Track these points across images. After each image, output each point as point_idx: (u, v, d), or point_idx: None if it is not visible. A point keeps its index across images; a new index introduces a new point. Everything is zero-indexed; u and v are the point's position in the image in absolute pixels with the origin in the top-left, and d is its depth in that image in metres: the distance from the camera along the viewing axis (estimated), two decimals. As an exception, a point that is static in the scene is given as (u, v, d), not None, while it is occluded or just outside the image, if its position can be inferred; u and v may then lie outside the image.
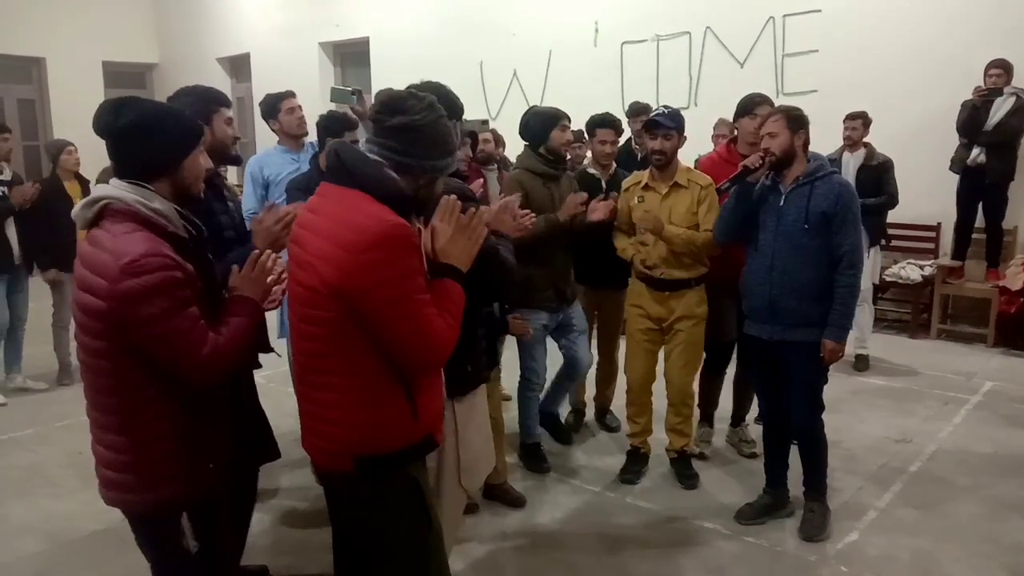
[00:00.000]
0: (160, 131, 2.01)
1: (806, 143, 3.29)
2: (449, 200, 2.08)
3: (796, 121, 3.25)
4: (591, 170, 4.39)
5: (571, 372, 4.22)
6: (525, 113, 4.09)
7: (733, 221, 3.45)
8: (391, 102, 1.96)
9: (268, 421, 2.37)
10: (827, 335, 3.22)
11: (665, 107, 3.80)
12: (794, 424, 3.43)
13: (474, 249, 2.10)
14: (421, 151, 1.95)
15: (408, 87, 2.17)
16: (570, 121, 3.96)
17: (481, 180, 3.53)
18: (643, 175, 3.87)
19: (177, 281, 1.91)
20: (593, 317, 4.50)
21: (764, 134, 3.31)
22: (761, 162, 3.29)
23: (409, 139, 1.93)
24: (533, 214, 2.85)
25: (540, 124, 3.92)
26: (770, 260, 3.31)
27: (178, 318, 1.91)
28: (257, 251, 2.24)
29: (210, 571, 2.19)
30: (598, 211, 3.87)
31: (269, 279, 2.23)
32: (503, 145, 5.76)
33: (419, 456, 2.07)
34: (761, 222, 3.35)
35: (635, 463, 4.07)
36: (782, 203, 3.28)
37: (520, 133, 4.05)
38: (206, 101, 2.81)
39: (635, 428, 4.05)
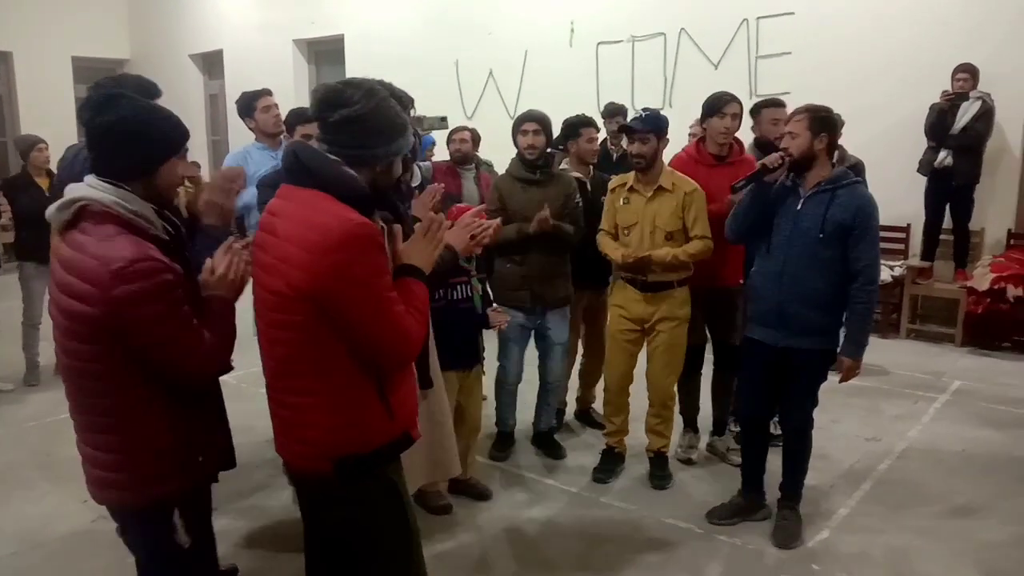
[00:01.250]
0: (142, 134, 1.95)
1: (831, 146, 3.19)
2: (433, 219, 2.10)
3: (819, 123, 3.12)
4: (575, 174, 4.28)
5: (543, 382, 4.25)
6: None
7: (744, 221, 3.37)
8: (328, 97, 1.90)
9: (229, 428, 2.34)
10: (844, 352, 3.20)
11: (645, 110, 3.78)
12: (789, 423, 3.45)
13: (434, 253, 2.10)
14: (371, 140, 1.92)
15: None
16: (539, 124, 3.90)
17: (440, 186, 3.48)
18: (629, 177, 3.83)
19: (169, 284, 1.89)
20: (579, 317, 4.52)
21: (785, 132, 3.23)
22: (780, 162, 3.18)
23: (355, 131, 1.90)
24: (490, 225, 2.70)
25: (512, 129, 3.97)
26: (781, 266, 3.24)
27: (174, 320, 1.90)
28: (224, 246, 2.16)
29: (200, 565, 2.20)
30: (538, 223, 3.80)
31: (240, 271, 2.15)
32: (479, 144, 5.76)
33: (396, 454, 2.07)
34: (776, 225, 3.27)
35: (608, 462, 4.09)
36: (799, 207, 3.20)
37: None
38: (139, 93, 2.65)
39: (611, 428, 4.07)
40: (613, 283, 4.04)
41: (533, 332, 4.11)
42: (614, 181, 3.94)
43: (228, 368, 2.11)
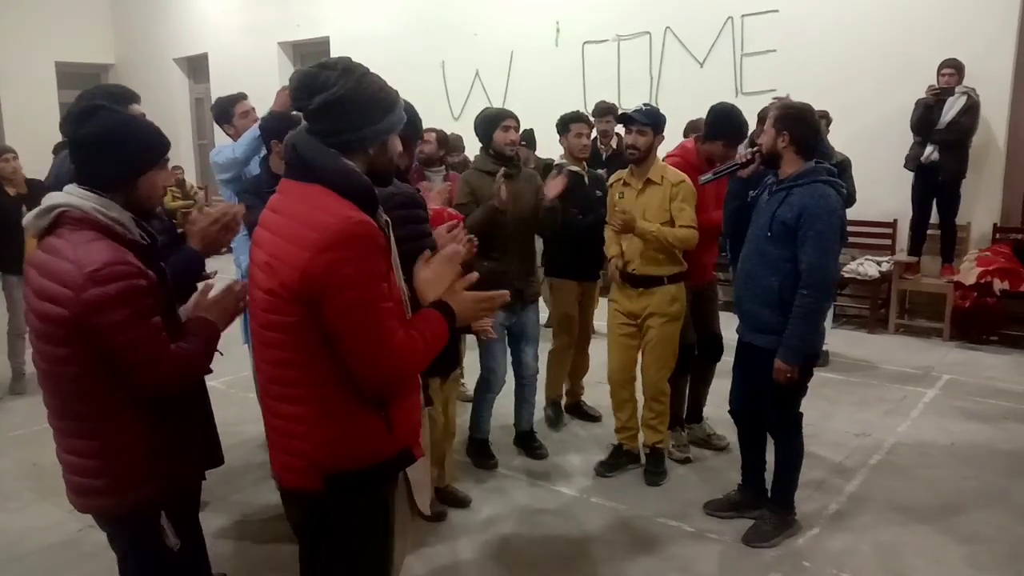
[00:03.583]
0: (121, 145, 1.96)
1: (798, 143, 3.12)
2: (455, 251, 2.03)
3: (782, 120, 3.13)
4: (573, 167, 4.38)
5: (518, 379, 4.24)
6: (476, 117, 4.15)
7: (726, 213, 3.52)
8: (304, 83, 1.79)
9: (215, 426, 2.32)
10: (778, 353, 3.15)
11: (646, 104, 3.89)
12: (767, 423, 3.43)
13: (476, 317, 2.03)
14: (357, 121, 1.80)
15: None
16: (516, 121, 4.01)
17: (425, 183, 3.54)
18: (625, 173, 3.94)
19: (142, 289, 1.89)
20: (577, 309, 4.57)
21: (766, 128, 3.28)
22: (750, 157, 3.28)
23: (338, 114, 1.78)
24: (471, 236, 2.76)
25: (484, 126, 4.00)
26: (742, 261, 3.32)
27: (142, 326, 1.89)
28: (235, 281, 2.20)
29: (193, 567, 2.19)
30: (552, 187, 3.95)
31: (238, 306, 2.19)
32: (448, 145, 5.68)
33: (394, 472, 1.97)
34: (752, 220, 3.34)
35: (614, 457, 4.12)
36: (763, 205, 3.24)
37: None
38: (114, 101, 2.68)
39: (617, 424, 4.11)
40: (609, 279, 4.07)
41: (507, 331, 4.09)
42: (613, 177, 4.05)
43: (191, 385, 2.10)
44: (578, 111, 4.55)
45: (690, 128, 6.34)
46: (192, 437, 2.16)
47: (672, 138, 6.33)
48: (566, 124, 4.43)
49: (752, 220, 3.30)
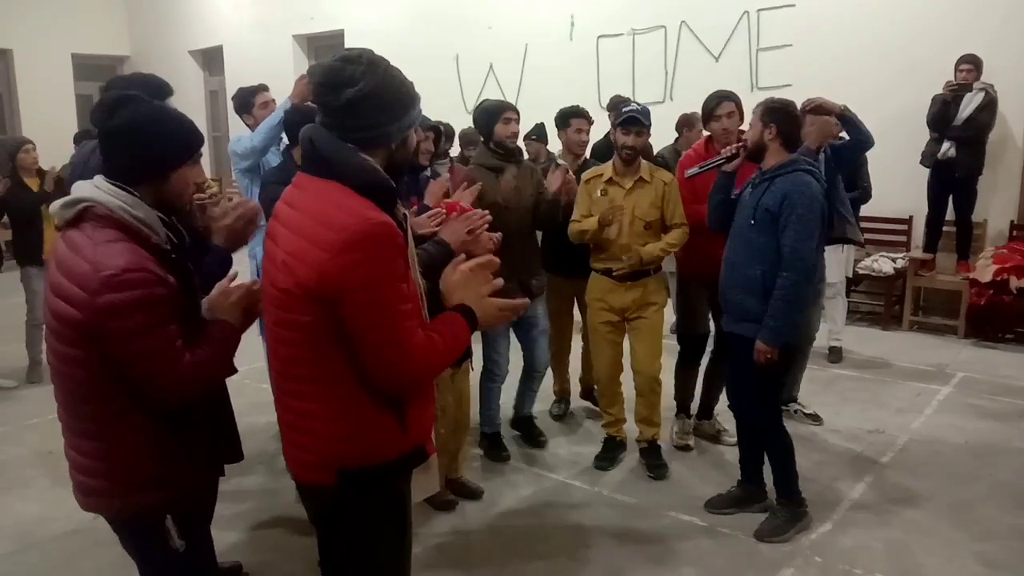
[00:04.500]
0: (152, 138, 1.90)
1: (784, 137, 3.22)
2: (489, 261, 1.98)
3: (768, 113, 3.24)
4: (560, 161, 4.44)
5: (530, 371, 4.26)
6: (474, 109, 4.12)
7: (710, 207, 3.54)
8: (329, 78, 1.74)
9: (235, 422, 2.32)
10: (758, 334, 3.19)
11: (636, 103, 3.90)
12: (745, 417, 3.47)
13: (494, 325, 2.00)
14: (383, 117, 1.76)
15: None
16: (517, 113, 3.99)
17: (447, 178, 3.55)
18: (605, 168, 3.91)
19: (159, 297, 1.82)
20: (573, 306, 4.57)
21: (749, 124, 3.36)
22: (735, 152, 3.36)
23: (364, 110, 1.74)
24: (484, 215, 2.77)
25: (485, 119, 3.97)
26: (727, 252, 3.38)
27: (156, 335, 1.82)
28: (254, 281, 2.11)
29: (197, 569, 2.16)
30: (554, 180, 3.95)
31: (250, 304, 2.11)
32: (453, 137, 5.68)
33: (407, 470, 1.95)
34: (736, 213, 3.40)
35: (610, 449, 4.13)
36: (747, 197, 3.31)
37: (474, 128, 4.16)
38: (148, 92, 2.56)
39: (608, 419, 4.13)
40: (591, 277, 4.05)
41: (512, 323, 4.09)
42: (588, 173, 4.00)
43: (212, 390, 2.06)
44: (577, 106, 4.50)
45: (683, 122, 6.33)
46: (203, 441, 2.10)
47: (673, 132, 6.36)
48: (566, 119, 4.41)
49: (736, 212, 3.36)
